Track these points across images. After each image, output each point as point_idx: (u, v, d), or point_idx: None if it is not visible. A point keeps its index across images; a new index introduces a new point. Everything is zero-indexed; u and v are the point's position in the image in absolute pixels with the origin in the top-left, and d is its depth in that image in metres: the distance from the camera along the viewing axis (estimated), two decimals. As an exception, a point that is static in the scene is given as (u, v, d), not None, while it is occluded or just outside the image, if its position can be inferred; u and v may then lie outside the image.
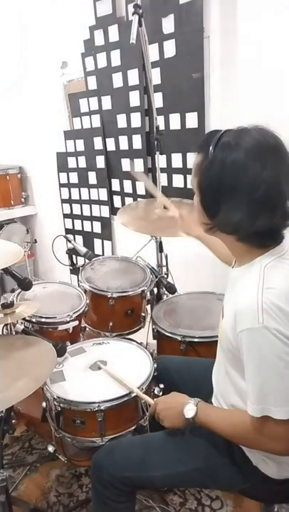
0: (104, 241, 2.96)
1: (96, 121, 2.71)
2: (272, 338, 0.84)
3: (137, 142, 2.48)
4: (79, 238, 3.13)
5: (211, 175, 0.90)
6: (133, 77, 2.37)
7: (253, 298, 0.86)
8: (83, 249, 2.08)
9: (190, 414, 1.05)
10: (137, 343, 1.63)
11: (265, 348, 0.85)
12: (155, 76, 2.19)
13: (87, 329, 1.86)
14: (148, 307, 1.97)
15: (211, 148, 0.90)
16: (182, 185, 2.30)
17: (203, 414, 1.05)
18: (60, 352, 1.44)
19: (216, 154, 0.89)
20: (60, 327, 1.67)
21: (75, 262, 2.20)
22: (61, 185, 3.15)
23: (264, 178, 0.84)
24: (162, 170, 2.29)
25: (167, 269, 2.08)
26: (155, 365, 1.42)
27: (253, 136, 0.88)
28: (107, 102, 2.59)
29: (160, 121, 2.20)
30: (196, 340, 1.57)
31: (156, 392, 1.39)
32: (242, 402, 1.01)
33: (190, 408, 1.06)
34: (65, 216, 3.22)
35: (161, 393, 1.38)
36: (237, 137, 0.88)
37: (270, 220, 0.88)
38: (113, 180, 2.77)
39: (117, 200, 2.80)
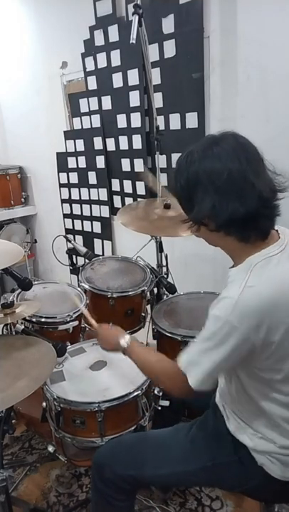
0: (104, 241, 2.96)
1: (96, 121, 2.70)
2: (225, 328, 0.90)
3: (137, 142, 2.48)
4: (79, 238, 3.12)
5: (179, 179, 0.99)
6: (133, 77, 2.37)
7: (234, 292, 0.91)
8: (83, 249, 2.08)
9: (124, 344, 1.21)
10: (137, 343, 1.63)
11: (214, 333, 0.93)
12: (155, 76, 2.18)
13: (87, 329, 1.86)
14: (148, 307, 1.97)
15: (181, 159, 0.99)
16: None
17: (134, 345, 1.21)
18: (60, 352, 1.44)
19: (180, 162, 0.99)
20: (60, 327, 1.67)
21: (75, 262, 2.20)
22: (61, 185, 3.14)
23: (225, 167, 0.90)
24: (162, 170, 2.28)
25: (167, 269, 2.08)
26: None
27: (217, 141, 0.94)
28: (107, 102, 2.59)
29: (160, 121, 2.19)
30: (196, 340, 1.57)
31: (156, 392, 1.39)
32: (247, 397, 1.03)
33: (126, 339, 1.22)
34: (65, 216, 3.21)
35: (161, 393, 1.38)
36: (200, 145, 0.96)
37: (242, 205, 0.90)
38: (113, 180, 2.76)
39: (117, 200, 2.79)
